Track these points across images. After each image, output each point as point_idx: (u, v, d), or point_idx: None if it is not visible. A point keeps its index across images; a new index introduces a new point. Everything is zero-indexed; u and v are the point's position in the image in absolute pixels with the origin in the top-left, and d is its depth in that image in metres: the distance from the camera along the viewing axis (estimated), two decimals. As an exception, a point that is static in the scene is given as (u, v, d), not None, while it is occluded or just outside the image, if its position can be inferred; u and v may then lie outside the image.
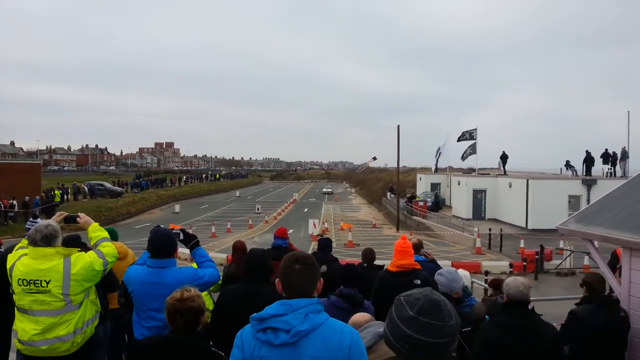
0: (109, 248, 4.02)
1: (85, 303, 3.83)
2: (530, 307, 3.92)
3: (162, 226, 4.26)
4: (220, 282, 6.20)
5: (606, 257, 6.65)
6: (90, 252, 3.93)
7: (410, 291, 2.01)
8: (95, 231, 4.16)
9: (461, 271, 5.23)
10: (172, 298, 2.90)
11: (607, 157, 32.84)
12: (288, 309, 2.32)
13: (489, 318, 4.13)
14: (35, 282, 3.66)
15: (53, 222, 3.97)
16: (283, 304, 2.35)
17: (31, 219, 5.35)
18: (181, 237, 4.21)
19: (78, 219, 4.27)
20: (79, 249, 4.00)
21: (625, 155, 32.27)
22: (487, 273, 15.39)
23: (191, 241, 4.22)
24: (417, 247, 6.19)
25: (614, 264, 7.33)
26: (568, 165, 37.16)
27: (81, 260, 3.81)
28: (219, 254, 22.75)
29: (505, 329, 3.78)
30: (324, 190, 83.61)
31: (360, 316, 3.08)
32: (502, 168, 39.55)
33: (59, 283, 3.68)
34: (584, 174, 32.95)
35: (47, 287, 3.66)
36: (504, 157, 39.37)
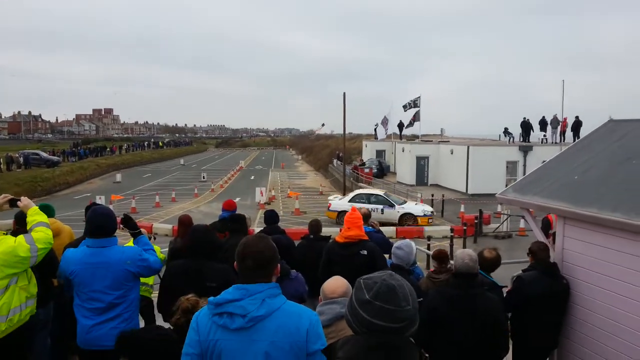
0: (41, 233, 3.75)
1: (11, 289, 3.61)
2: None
3: (98, 202, 4.12)
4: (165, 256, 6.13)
5: (538, 220, 7.00)
6: (19, 237, 3.69)
7: (372, 274, 2.01)
8: (33, 215, 3.91)
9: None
10: (184, 296, 3.07)
11: (544, 124, 34.26)
12: (245, 294, 2.31)
13: None
14: None
15: None
16: (240, 289, 2.33)
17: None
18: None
19: (19, 202, 4.02)
20: (4, 232, 3.77)
21: (556, 122, 33.70)
22: (429, 238, 15.89)
23: (134, 229, 4.16)
24: (366, 217, 6.30)
25: (546, 229, 7.74)
26: (506, 132, 38.55)
27: (3, 245, 3.57)
28: (164, 224, 22.35)
29: (446, 299, 3.92)
30: None
31: (337, 281, 3.06)
32: (399, 134, 45.14)
33: None
34: (522, 140, 34.27)
35: None
36: (400, 125, 44.32)
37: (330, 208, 23.75)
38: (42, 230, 3.79)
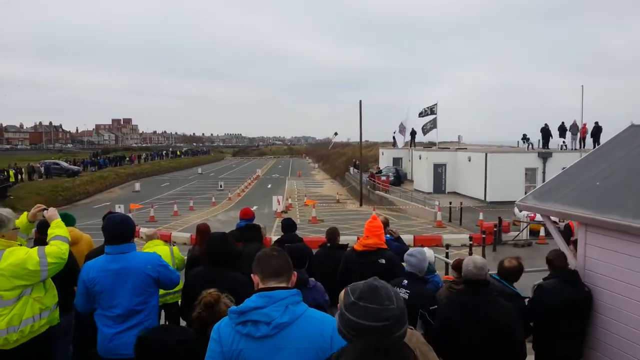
0: (54, 247, 3.71)
1: (24, 300, 3.61)
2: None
3: (117, 211, 4.16)
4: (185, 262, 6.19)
5: (560, 227, 6.91)
6: (33, 249, 3.69)
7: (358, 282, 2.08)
8: (54, 227, 3.92)
9: (426, 249, 5.32)
10: (206, 290, 3.09)
11: (563, 130, 33.85)
12: (268, 301, 2.31)
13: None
14: None
15: (4, 210, 3.79)
16: (263, 296, 2.33)
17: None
18: None
19: (45, 212, 4.06)
20: (19, 243, 3.77)
21: (576, 128, 33.27)
22: (448, 246, 15.76)
23: None
24: (383, 225, 6.26)
25: (568, 236, 7.63)
26: (525, 138, 38.17)
27: (13, 256, 3.57)
28: (182, 233, 22.52)
29: (456, 307, 3.93)
30: None
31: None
32: (410, 142, 45.56)
33: None
34: (542, 146, 33.87)
35: None
36: (413, 133, 45.25)
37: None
38: (57, 244, 3.75)
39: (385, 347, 1.89)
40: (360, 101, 36.92)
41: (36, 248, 3.70)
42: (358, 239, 5.39)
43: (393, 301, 1.96)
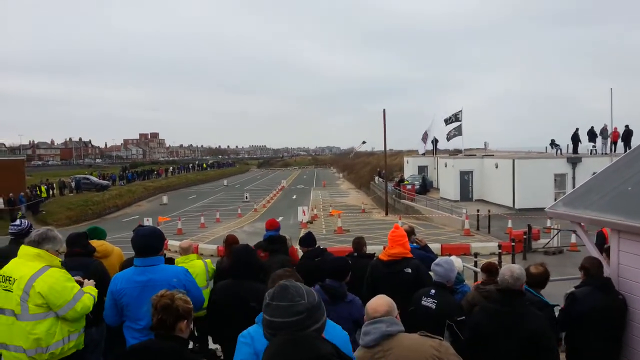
0: (87, 302, 3.84)
1: (51, 321, 3.69)
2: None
3: (146, 224, 4.21)
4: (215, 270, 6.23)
5: (592, 235, 6.74)
6: (77, 286, 3.81)
7: None
8: (88, 289, 4.01)
9: (454, 258, 5.26)
10: (156, 294, 2.99)
11: (592, 135, 33.16)
12: None
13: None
14: (8, 278, 3.65)
15: (56, 230, 3.92)
16: None
17: (18, 222, 5.23)
18: None
19: (87, 280, 4.14)
20: (55, 261, 3.85)
21: (605, 132, 32.57)
22: (476, 255, 15.52)
23: None
24: (408, 233, 6.20)
25: (601, 244, 7.43)
26: (553, 143, 37.49)
27: (53, 280, 3.68)
28: (209, 245, 22.69)
29: (487, 315, 3.89)
30: None
31: (380, 300, 2.99)
32: (433, 149, 46.40)
33: (21, 285, 3.61)
34: (571, 151, 33.23)
35: (12, 286, 3.62)
36: (435, 141, 45.76)
37: None
38: (90, 299, 3.88)
39: (294, 340, 1.97)
40: (384, 110, 36.82)
41: (78, 289, 3.81)
42: (384, 248, 5.36)
43: (304, 297, 2.05)
